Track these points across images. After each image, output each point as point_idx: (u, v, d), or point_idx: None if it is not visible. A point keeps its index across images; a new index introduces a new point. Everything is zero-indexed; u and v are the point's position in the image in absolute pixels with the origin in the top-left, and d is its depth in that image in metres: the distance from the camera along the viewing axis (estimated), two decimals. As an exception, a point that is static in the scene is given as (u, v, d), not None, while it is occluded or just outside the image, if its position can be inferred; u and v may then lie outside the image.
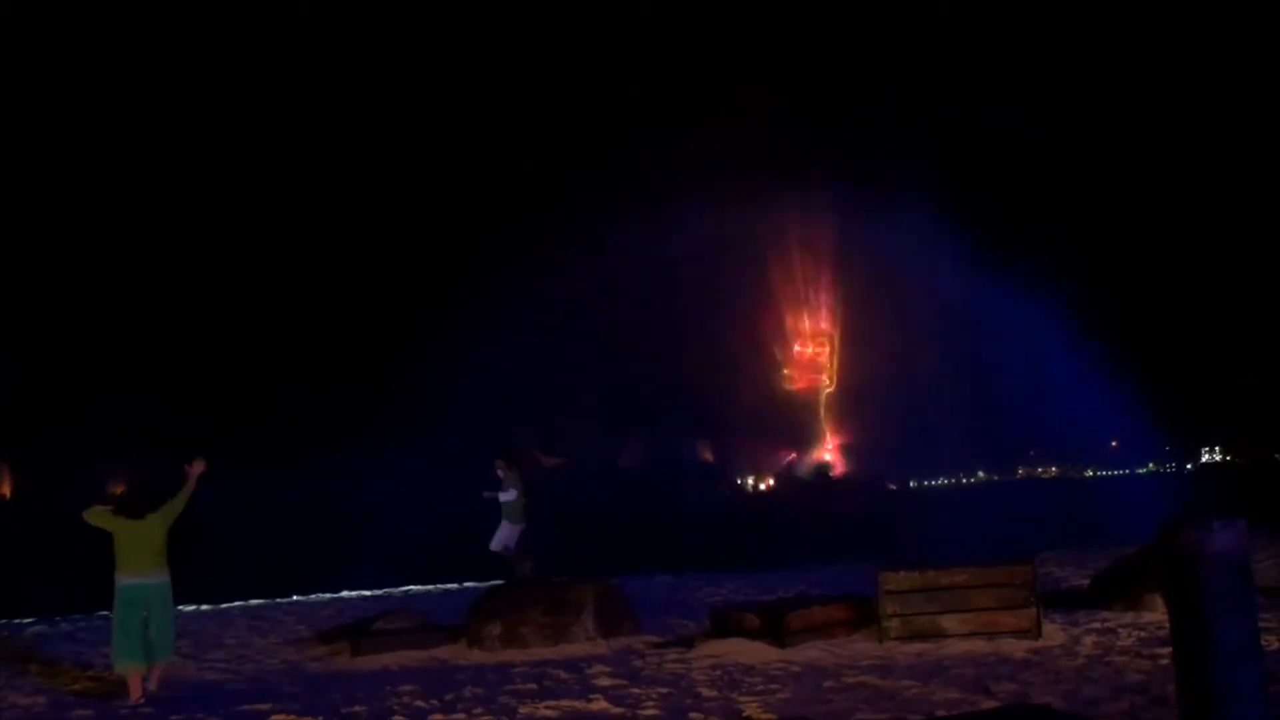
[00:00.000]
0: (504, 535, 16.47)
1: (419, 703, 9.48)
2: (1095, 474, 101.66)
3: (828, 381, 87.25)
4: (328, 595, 18.46)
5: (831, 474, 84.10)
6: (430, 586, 19.22)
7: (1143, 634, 10.57)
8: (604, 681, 9.94)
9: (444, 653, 12.00)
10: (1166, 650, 8.18)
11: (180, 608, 15.84)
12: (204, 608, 16.51)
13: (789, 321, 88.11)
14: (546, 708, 8.94)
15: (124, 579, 10.10)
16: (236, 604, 16.76)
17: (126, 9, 74.01)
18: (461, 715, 8.86)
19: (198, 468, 10.43)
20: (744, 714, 8.52)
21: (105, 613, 15.88)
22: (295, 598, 18.18)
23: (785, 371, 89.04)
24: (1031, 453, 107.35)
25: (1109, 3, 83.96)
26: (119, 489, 10.34)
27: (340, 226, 78.59)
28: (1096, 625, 11.19)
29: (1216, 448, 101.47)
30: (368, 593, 18.63)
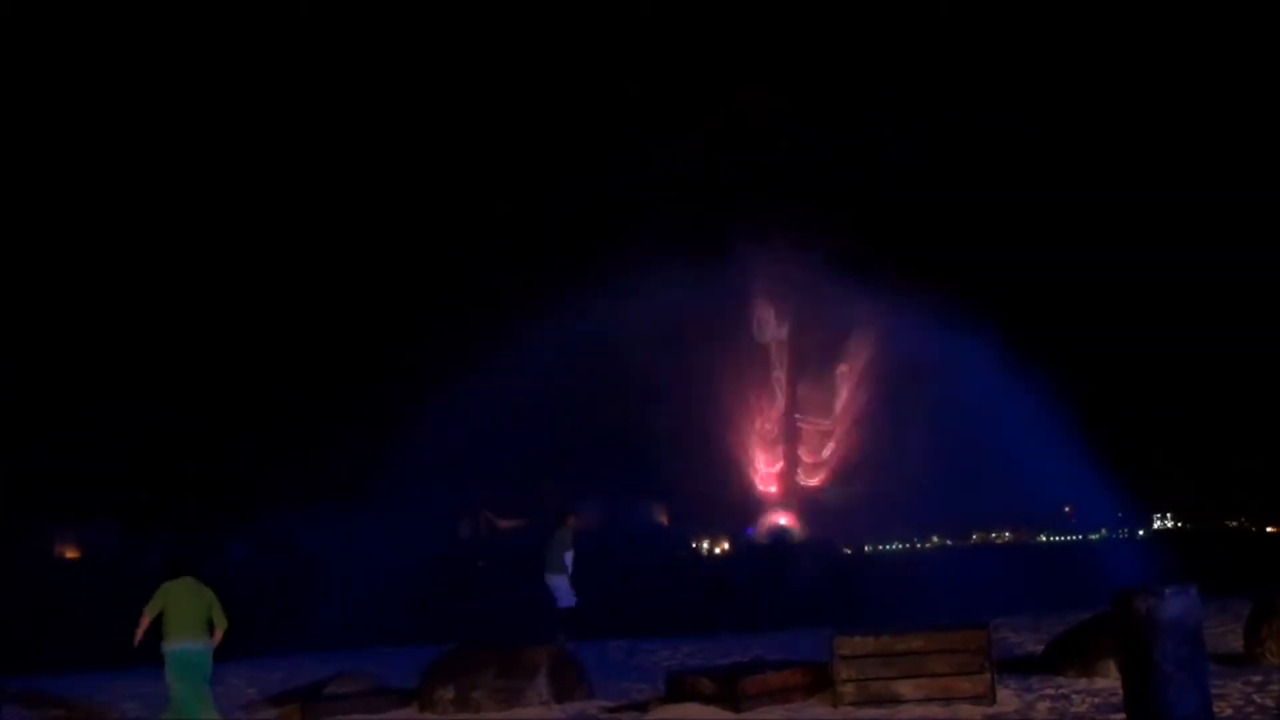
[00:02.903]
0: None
1: (370, 767, 9.37)
2: (1049, 539, 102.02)
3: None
4: (279, 657, 18.18)
5: (791, 539, 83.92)
6: (383, 649, 19.00)
7: (1096, 700, 10.59)
8: (558, 746, 9.86)
9: (396, 716, 11.88)
10: (1120, 716, 8.20)
11: (129, 669, 15.64)
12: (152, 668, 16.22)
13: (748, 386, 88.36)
14: (499, 773, 8.85)
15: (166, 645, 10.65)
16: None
17: (123, 9, 73.61)
18: (413, 780, 8.76)
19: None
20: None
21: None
22: (245, 659, 17.88)
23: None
24: (986, 518, 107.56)
25: (1110, 4, 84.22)
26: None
27: (302, 271, 78.25)
28: (1050, 691, 11.21)
29: (1169, 514, 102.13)
30: (320, 654, 18.37)
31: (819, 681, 11.34)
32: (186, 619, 10.68)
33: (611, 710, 11.63)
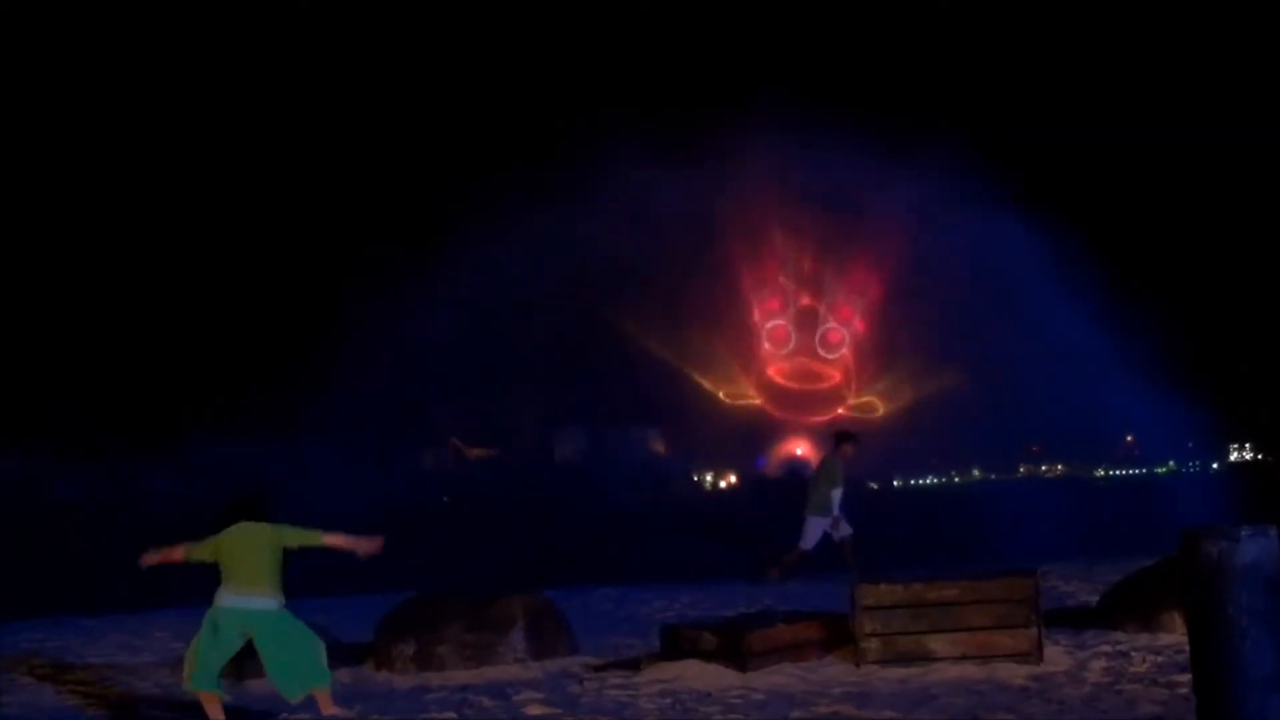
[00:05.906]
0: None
1: (316, 734, 9.46)
2: (1107, 474, 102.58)
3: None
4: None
5: (808, 473, 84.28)
6: (332, 598, 19.13)
7: (1159, 658, 10.70)
8: (535, 710, 9.95)
9: (346, 675, 11.95)
10: (1186, 677, 8.27)
11: (43, 620, 15.80)
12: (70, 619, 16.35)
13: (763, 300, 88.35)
14: (466, 740, 8.94)
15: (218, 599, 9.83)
16: (106, 616, 16.59)
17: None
18: (366, 748, 8.84)
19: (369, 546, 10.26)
20: (697, 748, 8.56)
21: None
22: (171, 608, 17.98)
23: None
24: (1035, 448, 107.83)
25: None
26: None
27: (259, 195, 79.25)
28: (1106, 648, 11.31)
29: (1248, 445, 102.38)
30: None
31: (837, 636, 11.43)
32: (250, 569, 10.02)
33: (598, 668, 11.71)
